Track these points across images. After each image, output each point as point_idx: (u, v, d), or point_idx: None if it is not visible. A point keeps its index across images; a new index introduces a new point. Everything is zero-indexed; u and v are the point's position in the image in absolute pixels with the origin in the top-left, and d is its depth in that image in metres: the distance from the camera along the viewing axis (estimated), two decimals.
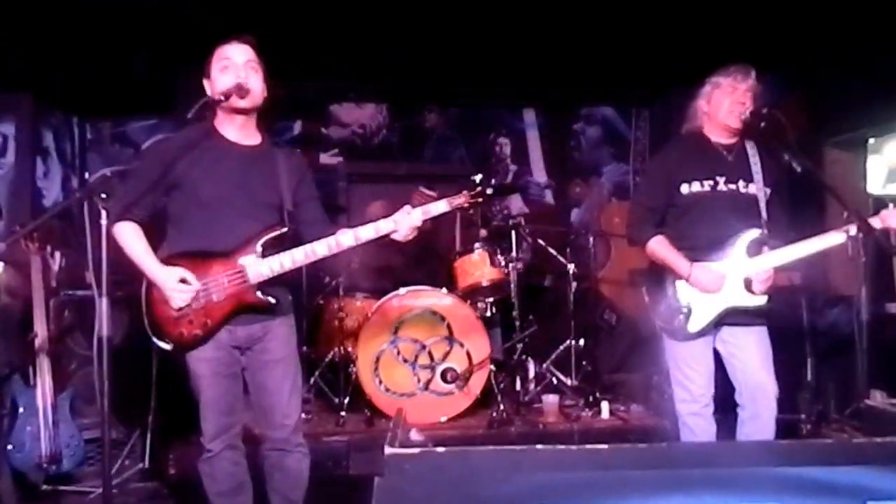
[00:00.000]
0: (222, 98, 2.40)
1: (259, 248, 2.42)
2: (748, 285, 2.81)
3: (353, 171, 5.81)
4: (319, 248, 2.43)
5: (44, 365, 3.54)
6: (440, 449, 1.29)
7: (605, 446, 1.27)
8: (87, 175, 5.39)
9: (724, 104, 2.83)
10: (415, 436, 1.55)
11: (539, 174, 6.09)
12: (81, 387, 3.87)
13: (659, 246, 2.89)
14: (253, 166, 2.50)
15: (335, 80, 5.48)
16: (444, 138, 5.97)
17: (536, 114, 6.09)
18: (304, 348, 4.56)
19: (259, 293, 2.43)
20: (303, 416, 4.12)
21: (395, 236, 2.45)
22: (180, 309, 2.41)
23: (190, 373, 2.49)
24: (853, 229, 2.56)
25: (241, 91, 2.41)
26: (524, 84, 5.58)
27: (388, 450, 1.29)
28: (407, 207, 2.44)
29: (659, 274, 2.94)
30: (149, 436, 3.76)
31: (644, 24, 4.60)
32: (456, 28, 4.66)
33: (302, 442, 2.59)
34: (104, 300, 2.14)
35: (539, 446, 1.27)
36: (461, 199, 2.50)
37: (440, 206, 2.46)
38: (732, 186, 2.87)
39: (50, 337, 3.59)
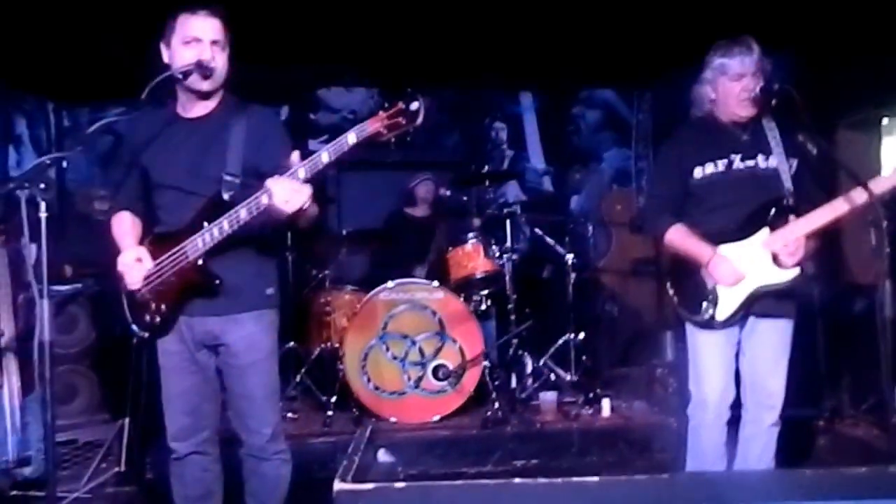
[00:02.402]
0: (180, 76, 2.23)
1: (205, 223, 2.22)
2: (776, 260, 2.60)
3: (342, 159, 5.58)
4: (242, 213, 2.15)
5: (10, 365, 3.37)
6: (399, 484, 1.08)
7: (594, 478, 1.05)
8: (64, 164, 5.18)
9: (734, 92, 2.63)
10: (383, 456, 1.34)
11: (537, 160, 5.89)
12: (56, 387, 3.69)
13: (677, 235, 2.70)
14: (198, 138, 2.33)
15: (323, 63, 5.26)
16: (438, 124, 5.77)
17: (534, 97, 5.89)
18: (292, 344, 4.42)
19: (200, 270, 2.24)
20: (290, 415, 4.06)
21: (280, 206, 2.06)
22: (138, 292, 2.32)
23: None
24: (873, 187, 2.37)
25: (204, 70, 2.23)
26: (520, 66, 5.36)
27: (337, 485, 1.08)
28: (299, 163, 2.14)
29: (682, 264, 2.73)
30: (125, 437, 3.59)
31: (645, 1, 4.37)
32: (449, 8, 4.45)
33: (282, 449, 2.43)
34: (45, 301, 1.94)
35: (517, 480, 1.05)
36: (377, 124, 2.09)
37: (350, 139, 2.09)
38: (750, 163, 2.67)
39: (18, 335, 3.41)
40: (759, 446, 2.72)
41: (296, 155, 2.16)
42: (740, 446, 2.78)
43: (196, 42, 2.24)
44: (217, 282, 2.25)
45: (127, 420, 3.58)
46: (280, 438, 2.43)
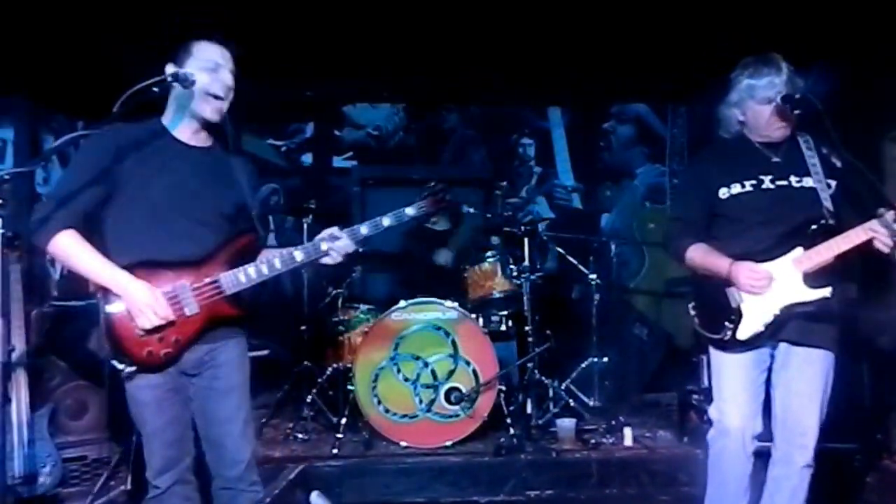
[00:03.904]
0: (156, 89, 2.15)
1: (230, 257, 2.25)
2: (807, 279, 2.41)
3: (367, 176, 5.57)
4: (299, 255, 2.31)
5: (20, 379, 3.37)
6: None
7: None
8: None
9: (764, 116, 2.48)
10: (316, 500, 1.21)
11: (566, 177, 5.73)
12: (67, 403, 3.70)
13: (697, 252, 2.55)
14: (207, 170, 2.30)
15: (349, 79, 5.24)
16: (464, 139, 5.71)
17: (563, 112, 5.76)
18: (306, 363, 4.36)
19: (236, 304, 2.25)
20: (300, 436, 3.98)
21: (325, 260, 2.35)
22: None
23: (131, 401, 2.25)
24: None
25: (183, 82, 2.16)
26: (549, 80, 5.27)
27: None
28: (335, 229, 2.35)
29: (706, 283, 2.57)
30: (132, 456, 3.55)
31: (679, 11, 4.22)
32: (475, 22, 4.40)
33: (256, 480, 2.34)
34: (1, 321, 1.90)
35: None
36: (421, 208, 2.41)
37: (382, 223, 2.38)
38: (782, 183, 2.50)
39: (29, 350, 3.42)
40: (789, 489, 2.51)
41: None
42: (767, 487, 2.58)
43: (220, 67, 2.24)
44: (250, 310, 2.30)
45: (134, 438, 3.55)
46: (254, 470, 2.34)
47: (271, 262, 2.25)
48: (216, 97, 2.22)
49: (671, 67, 4.92)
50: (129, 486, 3.52)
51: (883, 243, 2.30)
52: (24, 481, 3.23)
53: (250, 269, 2.25)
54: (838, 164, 2.38)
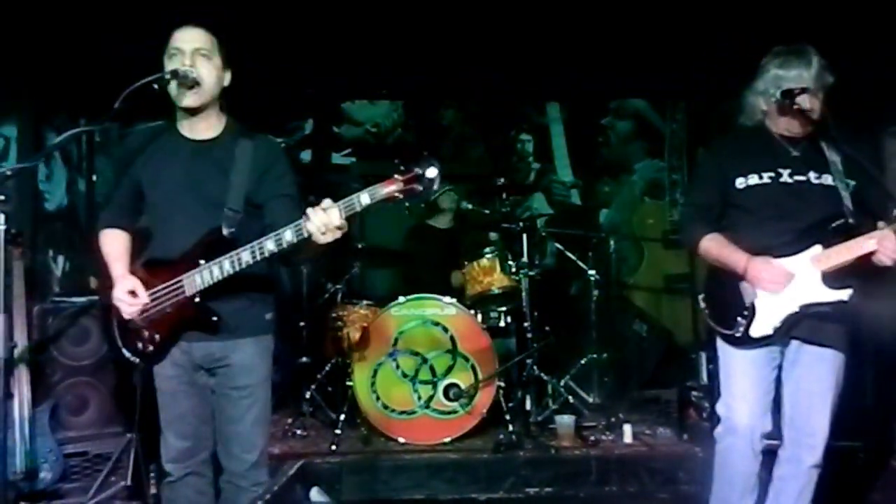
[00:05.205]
0: (155, 87, 2.16)
1: (201, 256, 2.19)
2: (826, 279, 2.38)
3: (366, 172, 5.57)
4: (245, 256, 2.11)
5: (22, 375, 3.39)
6: None
7: None
8: (94, 178, 5.28)
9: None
10: (316, 496, 1.23)
11: (564, 172, 5.71)
12: (68, 398, 3.72)
13: (712, 243, 2.51)
14: (203, 162, 2.28)
15: (348, 76, 5.24)
16: (463, 136, 5.69)
17: (561, 108, 5.73)
18: (304, 359, 4.37)
19: (198, 307, 2.21)
20: (299, 432, 3.99)
21: (314, 238, 1.98)
22: (130, 321, 2.28)
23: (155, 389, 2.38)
24: None
25: (181, 78, 2.17)
26: (547, 76, 5.24)
27: None
28: (327, 201, 1.97)
29: (719, 276, 2.55)
30: (133, 452, 3.57)
31: (679, 6, 4.22)
32: (474, 19, 4.39)
33: (262, 481, 2.35)
34: (2, 317, 1.92)
35: None
36: (391, 188, 1.97)
37: (362, 199, 1.97)
38: (800, 178, 2.46)
39: (31, 346, 3.44)
40: (796, 489, 2.50)
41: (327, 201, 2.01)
42: (773, 485, 2.57)
43: (178, 52, 2.22)
44: (214, 319, 2.22)
45: (134, 434, 3.57)
46: (263, 469, 2.35)
47: (239, 256, 2.11)
48: (178, 79, 2.16)
49: (670, 62, 4.90)
50: (129, 482, 3.55)
51: None
52: (25, 477, 3.25)
53: (214, 267, 2.14)
54: (836, 158, 2.36)
